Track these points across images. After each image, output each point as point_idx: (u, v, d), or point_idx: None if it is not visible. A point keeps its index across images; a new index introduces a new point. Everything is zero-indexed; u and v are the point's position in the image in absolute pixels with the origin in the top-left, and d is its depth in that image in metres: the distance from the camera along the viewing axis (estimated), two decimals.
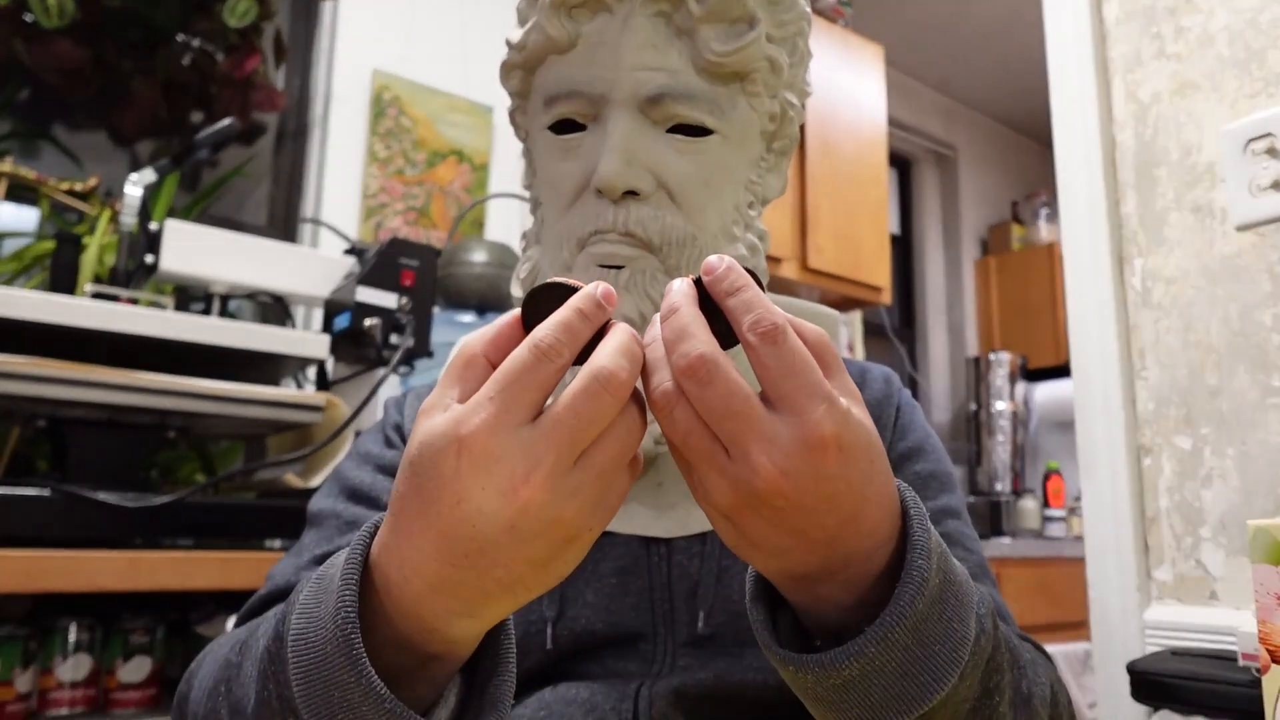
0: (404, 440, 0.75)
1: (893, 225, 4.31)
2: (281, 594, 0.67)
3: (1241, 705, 0.80)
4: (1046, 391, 4.34)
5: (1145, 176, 1.15)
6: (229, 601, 1.36)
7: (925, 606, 0.42)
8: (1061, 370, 4.25)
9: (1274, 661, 0.47)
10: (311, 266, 1.62)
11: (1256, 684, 0.82)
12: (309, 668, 0.39)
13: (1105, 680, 1.07)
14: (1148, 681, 0.88)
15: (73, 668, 1.28)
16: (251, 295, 1.68)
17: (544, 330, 0.39)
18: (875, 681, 0.42)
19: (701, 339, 0.40)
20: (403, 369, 1.60)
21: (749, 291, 0.41)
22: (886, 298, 3.11)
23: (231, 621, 1.32)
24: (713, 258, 0.42)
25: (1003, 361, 4.20)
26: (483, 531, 0.37)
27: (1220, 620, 1.01)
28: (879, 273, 3.04)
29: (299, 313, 2.06)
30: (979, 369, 4.20)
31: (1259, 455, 1.02)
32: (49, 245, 1.65)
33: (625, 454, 0.40)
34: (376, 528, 0.43)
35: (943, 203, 4.61)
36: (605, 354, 0.39)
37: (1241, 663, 0.82)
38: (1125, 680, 0.95)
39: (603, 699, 0.61)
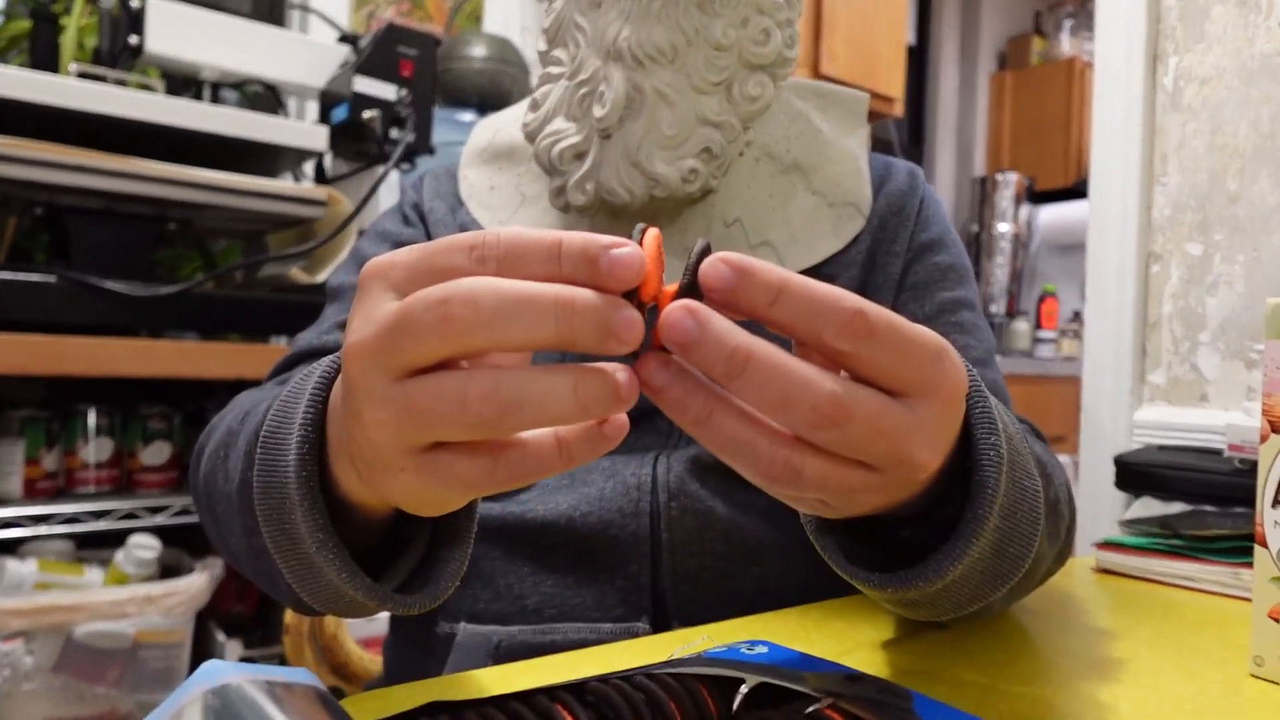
0: (423, 219, 0.75)
1: (909, 36, 4.10)
2: (303, 357, 0.70)
3: (1220, 491, 0.85)
4: (1051, 214, 4.30)
5: None
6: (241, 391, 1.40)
7: (1006, 481, 0.38)
8: (1068, 193, 4.19)
9: (1274, 431, 0.49)
10: (304, 54, 1.54)
11: (1237, 473, 0.86)
12: (269, 509, 0.39)
13: (1088, 472, 1.12)
14: (1132, 471, 0.92)
15: (96, 449, 1.34)
16: (242, 85, 1.61)
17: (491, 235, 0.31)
18: (973, 572, 0.40)
19: (821, 382, 0.30)
20: (404, 165, 1.57)
21: (789, 285, 0.30)
22: (899, 110, 3.02)
23: None
24: (710, 266, 0.30)
25: (1009, 182, 4.13)
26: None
27: (1207, 421, 1.05)
28: (893, 83, 2.92)
29: (291, 106, 1.98)
30: (985, 190, 4.14)
31: (1269, 261, 1.02)
32: (24, 24, 1.56)
33: (495, 422, 0.29)
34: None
35: (963, 12, 4.36)
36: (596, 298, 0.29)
37: (1227, 454, 0.85)
38: (1109, 472, 0.99)
39: (622, 466, 0.64)
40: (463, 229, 0.74)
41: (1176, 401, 1.10)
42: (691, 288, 0.30)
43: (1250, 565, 0.72)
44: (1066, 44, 4.35)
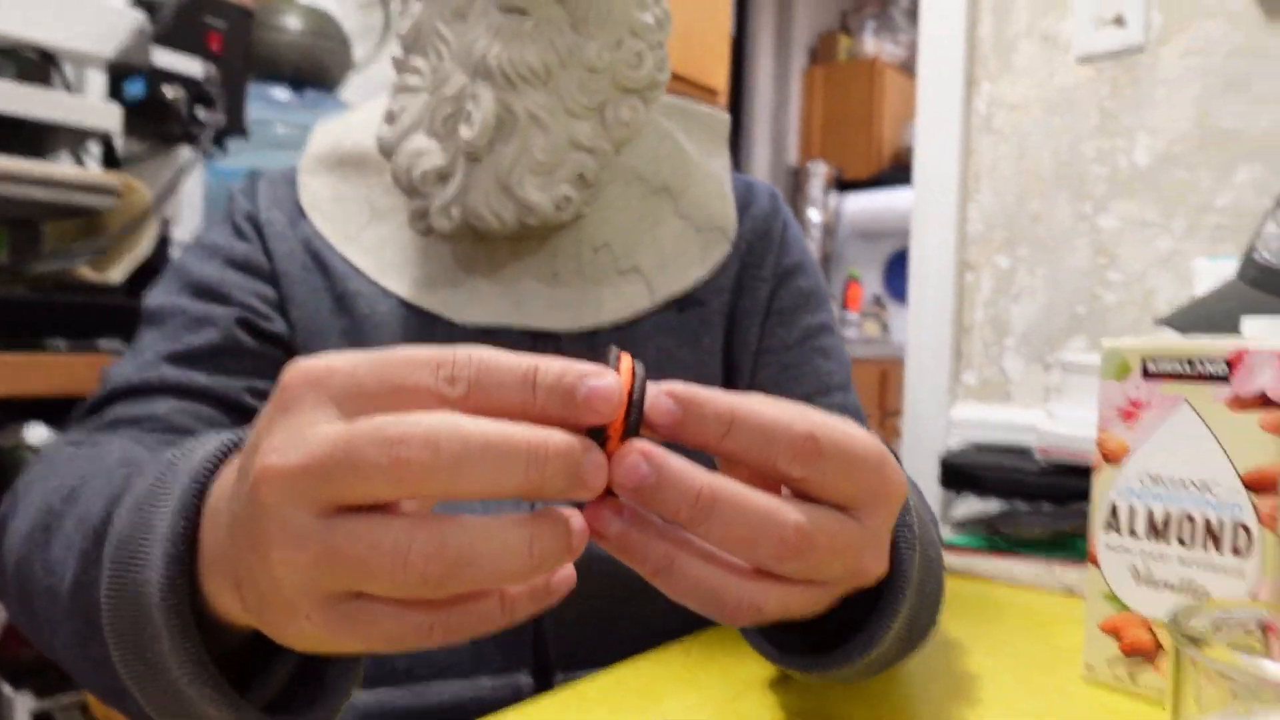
0: (259, 232, 0.68)
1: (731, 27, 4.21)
2: (122, 394, 0.61)
3: (1030, 490, 0.93)
4: (855, 203, 4.57)
5: (1003, 1, 1.17)
6: (19, 410, 1.23)
7: (920, 557, 0.39)
8: (871, 182, 4.48)
9: (1106, 462, 0.54)
10: (89, 17, 1.36)
11: (1045, 472, 0.95)
12: (122, 631, 0.33)
13: (912, 467, 1.21)
14: (956, 471, 1.00)
15: None
16: (12, 51, 1.41)
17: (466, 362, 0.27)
18: (891, 646, 0.40)
19: (784, 513, 0.28)
20: (214, 150, 1.43)
21: (740, 416, 0.29)
22: (723, 101, 3.09)
23: (43, 431, 1.18)
24: (655, 402, 0.28)
25: (819, 172, 4.35)
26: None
27: (1011, 418, 1.15)
28: (718, 75, 2.99)
29: (70, 75, 1.75)
30: (798, 179, 4.34)
31: (1064, 277, 1.13)
32: None
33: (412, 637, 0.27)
34: (231, 446, 0.35)
35: (777, 6, 4.53)
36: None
37: (1037, 455, 0.94)
38: (933, 467, 1.07)
39: (496, 507, 0.61)
40: (306, 245, 0.67)
41: (986, 400, 1.20)
42: (635, 423, 0.27)
43: (1062, 560, 0.80)
44: (870, 44, 4.62)
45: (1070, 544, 0.82)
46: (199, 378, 0.62)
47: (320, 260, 0.66)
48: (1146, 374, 0.53)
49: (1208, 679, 0.33)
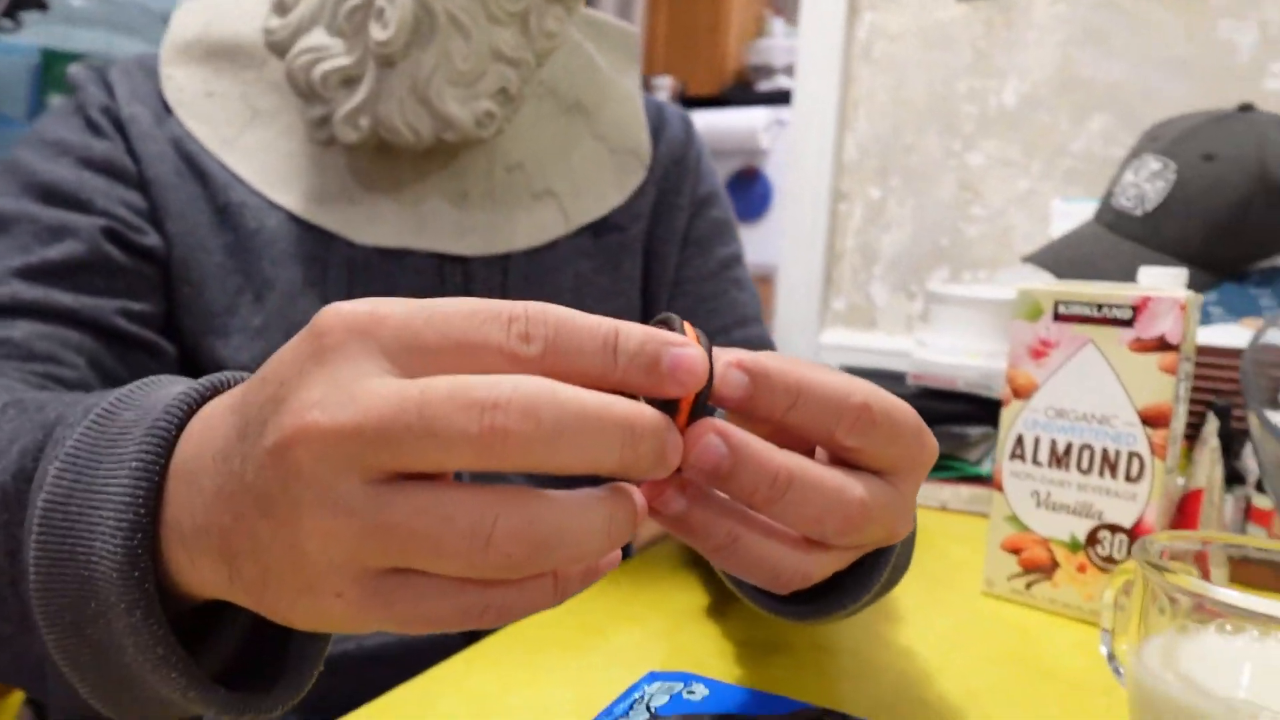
0: (121, 130, 0.59)
1: None
2: None
3: None
4: (700, 120, 4.58)
5: None
6: None
7: None
8: (715, 100, 4.49)
9: (1015, 396, 0.58)
10: None
11: (917, 396, 1.01)
12: (56, 609, 0.28)
13: None
14: None
15: None
16: None
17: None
18: (881, 588, 0.40)
19: (850, 489, 0.28)
20: (7, 23, 1.23)
21: (806, 387, 0.28)
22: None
23: None
24: (725, 375, 0.27)
25: (665, 86, 4.31)
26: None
27: (877, 344, 1.22)
28: None
29: None
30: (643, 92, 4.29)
31: (931, 210, 1.18)
32: None
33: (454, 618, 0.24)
34: (190, 406, 0.29)
35: None
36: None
37: (910, 382, 1.00)
38: None
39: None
40: (177, 147, 0.59)
41: (853, 326, 1.26)
42: (704, 397, 0.25)
43: (936, 479, 0.86)
44: None
45: (943, 464, 0.89)
46: (61, 297, 0.54)
47: (196, 165, 0.59)
48: (1057, 316, 0.56)
49: (1163, 600, 0.36)
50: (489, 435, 0.21)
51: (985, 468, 0.85)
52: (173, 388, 0.30)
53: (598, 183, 0.68)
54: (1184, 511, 0.56)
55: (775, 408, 0.27)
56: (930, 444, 0.31)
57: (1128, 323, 0.54)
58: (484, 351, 0.23)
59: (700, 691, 0.34)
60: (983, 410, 0.87)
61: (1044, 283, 0.58)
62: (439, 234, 0.62)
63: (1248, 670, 0.34)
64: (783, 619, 0.43)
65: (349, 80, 0.57)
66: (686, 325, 0.26)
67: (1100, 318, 0.55)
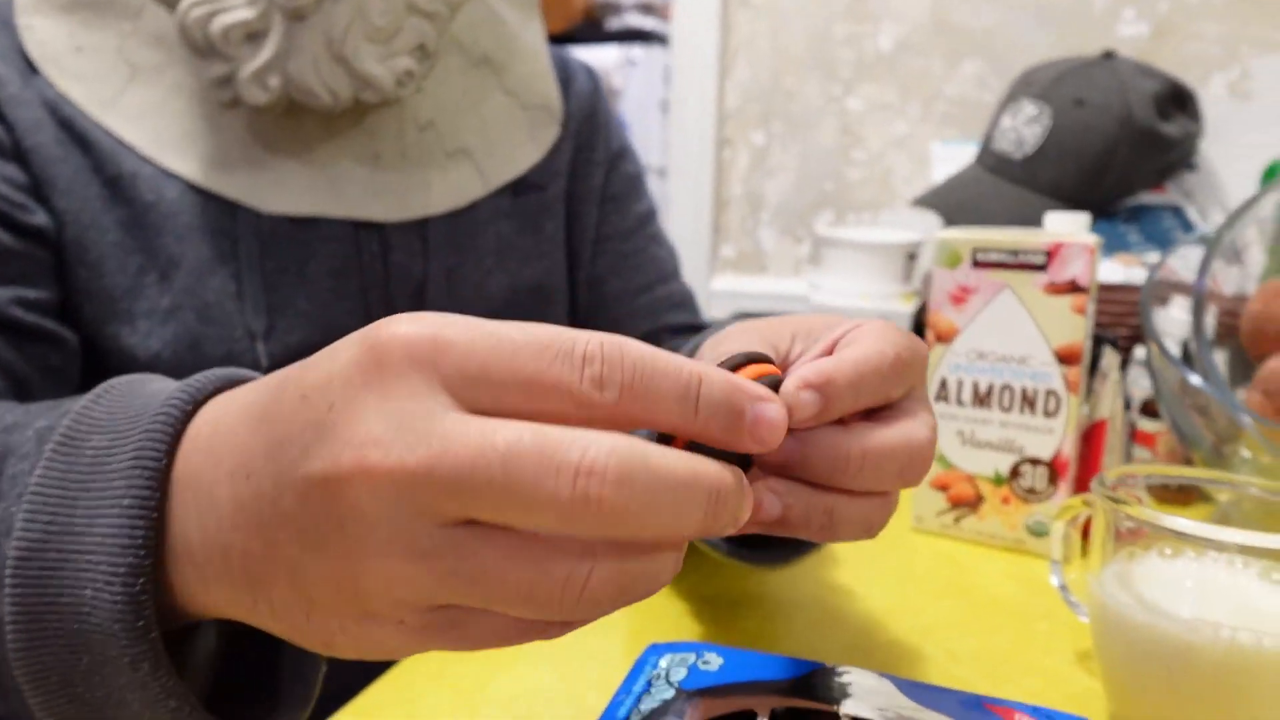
0: None
1: None
2: None
3: None
4: None
5: None
6: None
7: None
8: (564, 38, 4.39)
9: (939, 341, 0.61)
10: None
11: None
12: (40, 669, 0.25)
13: None
14: None
15: None
16: None
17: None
18: None
19: (916, 436, 0.29)
20: None
21: (862, 375, 0.28)
22: None
23: None
24: (796, 400, 0.26)
25: None
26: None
27: (766, 289, 1.24)
28: None
29: None
30: None
31: (813, 155, 1.21)
32: None
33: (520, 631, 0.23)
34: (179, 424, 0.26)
35: None
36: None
37: None
38: None
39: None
40: (53, 112, 0.52)
41: (742, 271, 1.28)
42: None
43: None
44: None
45: None
46: None
47: (76, 132, 0.53)
48: (976, 263, 0.59)
49: (1117, 530, 0.39)
50: (579, 503, 0.20)
51: None
52: (144, 396, 0.27)
53: (512, 140, 0.65)
54: (1089, 441, 0.61)
55: (845, 408, 0.28)
56: (922, 344, 0.32)
57: (1041, 267, 0.57)
58: (554, 393, 0.21)
59: (715, 661, 0.34)
60: None
61: (938, 227, 0.60)
62: (352, 199, 0.58)
63: (1191, 589, 0.38)
64: (756, 568, 0.44)
65: (253, 35, 0.51)
66: (762, 366, 0.25)
67: (1016, 263, 0.58)
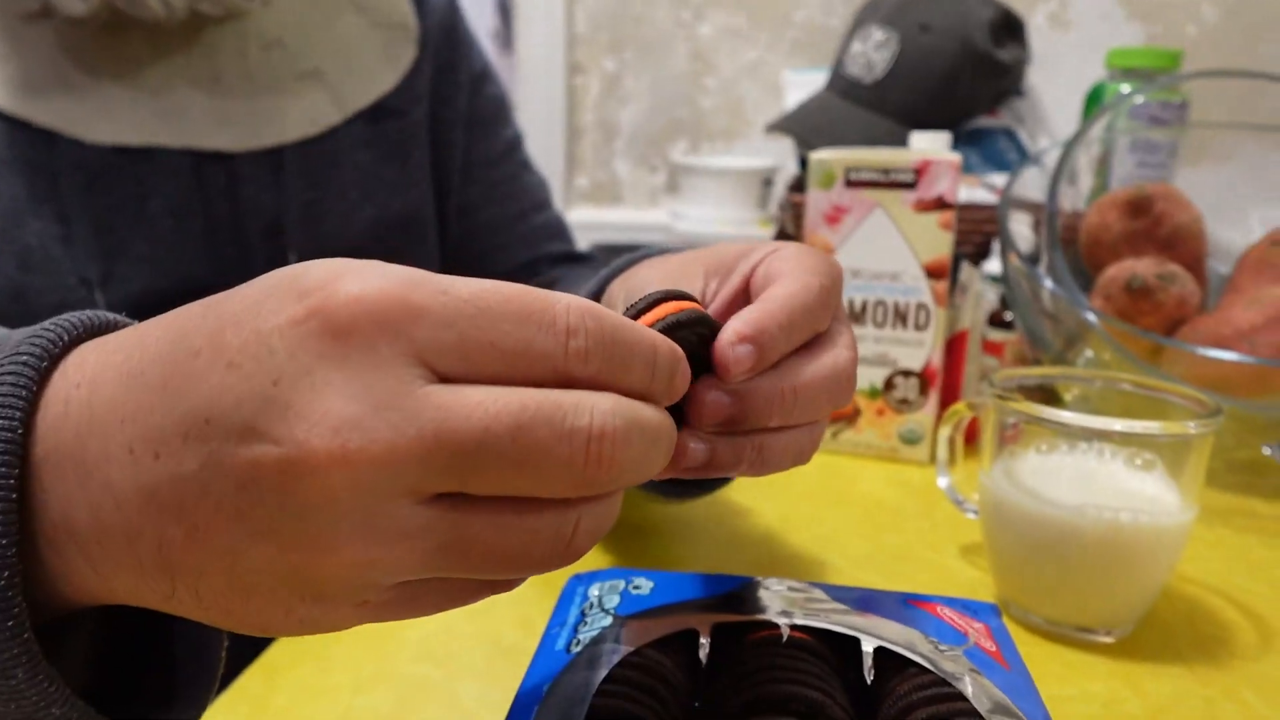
0: None
1: None
2: None
3: None
4: None
5: None
6: None
7: None
8: None
9: None
10: None
11: None
12: None
13: None
14: None
15: None
16: None
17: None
18: None
19: (840, 357, 0.29)
20: None
21: (793, 316, 0.28)
22: None
23: None
24: (729, 354, 0.26)
25: None
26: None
27: (625, 219, 1.23)
28: None
29: None
30: None
31: (665, 82, 1.20)
32: None
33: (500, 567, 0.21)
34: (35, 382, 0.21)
35: None
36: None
37: None
38: None
39: None
40: None
41: (598, 203, 1.26)
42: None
43: None
44: None
45: None
46: None
47: None
48: (848, 183, 0.60)
49: (1004, 425, 0.41)
50: (593, 466, 0.19)
51: None
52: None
53: (366, 61, 0.60)
54: (953, 351, 0.64)
55: (779, 353, 0.28)
56: (836, 262, 0.32)
57: (910, 185, 0.59)
58: (536, 365, 0.20)
59: (645, 585, 0.34)
60: None
61: (791, 153, 0.61)
62: (193, 127, 0.52)
63: (1070, 478, 0.41)
64: (674, 501, 0.44)
65: None
66: (681, 302, 0.25)
67: (887, 182, 0.60)
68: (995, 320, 0.78)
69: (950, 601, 0.34)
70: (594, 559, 0.46)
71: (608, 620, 0.31)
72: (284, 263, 0.55)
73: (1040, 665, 0.37)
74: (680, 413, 0.27)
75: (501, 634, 0.40)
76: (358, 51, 0.60)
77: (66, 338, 0.22)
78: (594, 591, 0.34)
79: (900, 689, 0.28)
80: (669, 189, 1.21)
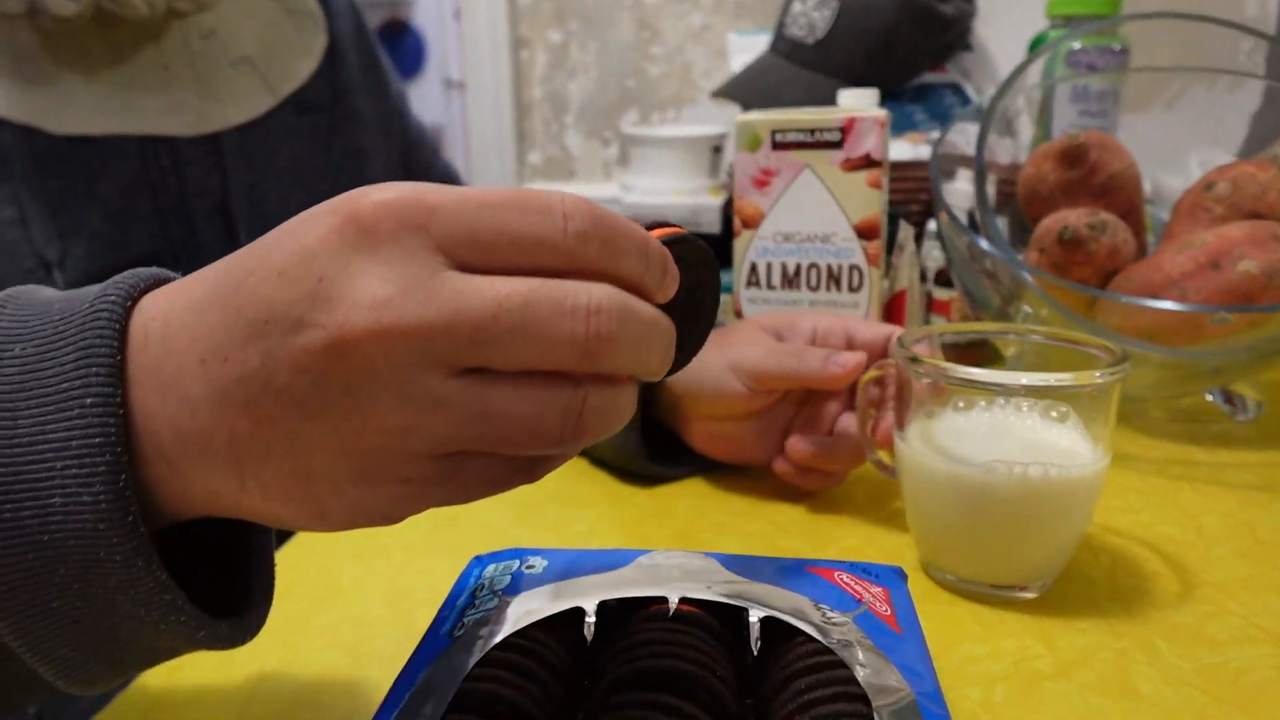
0: None
1: None
2: None
3: None
4: None
5: None
6: None
7: None
8: None
9: (745, 227, 0.61)
10: None
11: None
12: (13, 580, 0.23)
13: None
14: None
15: None
16: None
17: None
18: None
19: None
20: None
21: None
22: None
23: None
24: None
25: None
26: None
27: (579, 194, 1.22)
28: None
29: None
30: None
31: (613, 52, 1.18)
32: None
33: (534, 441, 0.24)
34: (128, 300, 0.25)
35: None
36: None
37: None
38: None
39: None
40: None
41: (551, 178, 1.25)
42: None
43: None
44: None
45: None
46: None
47: None
48: (775, 145, 0.59)
49: (916, 386, 0.40)
50: (593, 340, 0.22)
51: None
52: (60, 300, 0.25)
53: (286, 48, 0.63)
54: (892, 311, 0.64)
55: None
56: None
57: (837, 144, 0.58)
58: (540, 248, 0.23)
59: (539, 564, 0.33)
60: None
61: (755, 114, 0.60)
62: (146, 115, 0.54)
63: (986, 435, 0.40)
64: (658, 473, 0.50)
65: None
66: (667, 228, 0.27)
67: (814, 142, 0.58)
68: (943, 279, 0.77)
69: (851, 566, 0.33)
70: (506, 537, 0.45)
71: (494, 602, 0.30)
72: (235, 240, 0.57)
73: (958, 626, 0.37)
74: None
75: (413, 619, 0.39)
76: (277, 38, 0.62)
77: (141, 285, 0.25)
78: (489, 572, 0.33)
79: (784, 659, 0.28)
80: (621, 161, 1.19)
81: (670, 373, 0.28)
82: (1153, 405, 0.64)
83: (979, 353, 0.62)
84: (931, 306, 0.75)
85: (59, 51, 0.50)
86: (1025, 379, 0.36)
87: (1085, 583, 0.40)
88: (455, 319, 0.21)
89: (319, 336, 0.21)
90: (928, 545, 0.41)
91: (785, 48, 0.93)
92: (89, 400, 0.23)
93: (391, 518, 0.25)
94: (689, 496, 0.50)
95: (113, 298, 0.24)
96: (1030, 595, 0.39)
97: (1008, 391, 0.38)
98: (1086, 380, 0.36)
